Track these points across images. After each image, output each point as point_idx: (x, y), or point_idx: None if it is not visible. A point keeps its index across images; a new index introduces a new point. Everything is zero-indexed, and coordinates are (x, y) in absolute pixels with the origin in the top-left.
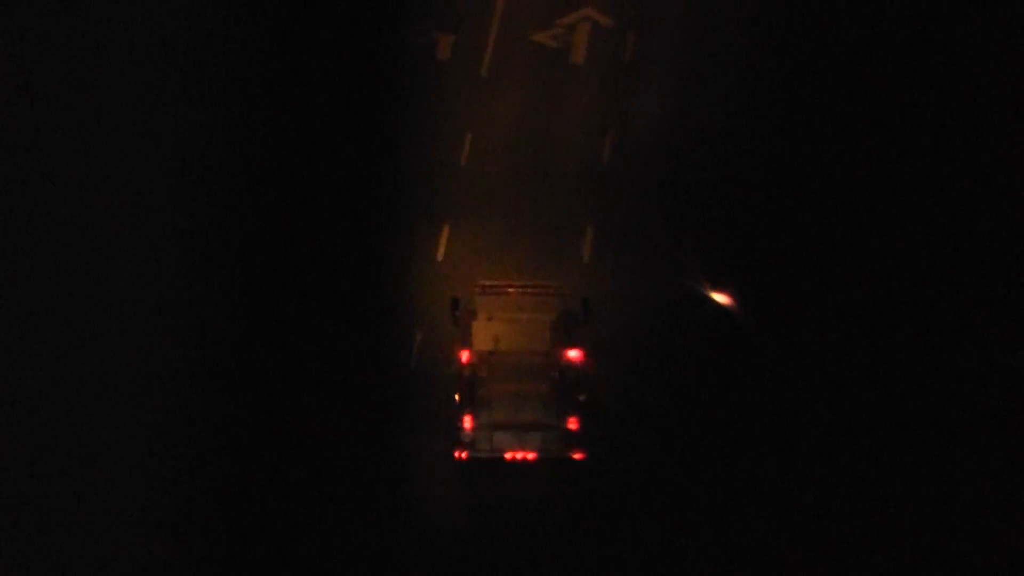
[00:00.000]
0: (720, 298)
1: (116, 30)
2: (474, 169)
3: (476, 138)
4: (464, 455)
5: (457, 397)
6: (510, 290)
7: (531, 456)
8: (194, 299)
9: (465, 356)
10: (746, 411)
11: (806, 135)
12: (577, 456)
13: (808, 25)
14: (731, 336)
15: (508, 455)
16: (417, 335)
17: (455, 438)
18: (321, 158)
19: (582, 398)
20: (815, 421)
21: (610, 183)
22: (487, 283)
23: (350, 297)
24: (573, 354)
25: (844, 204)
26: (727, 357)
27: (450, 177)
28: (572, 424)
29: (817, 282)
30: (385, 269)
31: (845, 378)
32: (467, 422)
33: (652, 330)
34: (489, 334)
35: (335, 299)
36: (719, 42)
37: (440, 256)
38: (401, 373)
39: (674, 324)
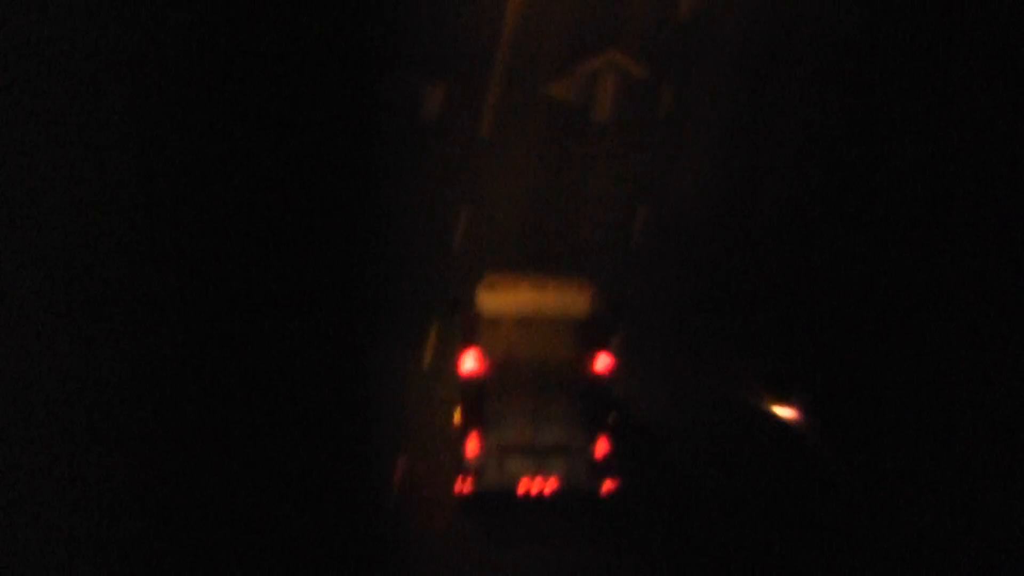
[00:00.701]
0: (783, 412)
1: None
2: (470, 254)
3: (473, 215)
4: (468, 487)
5: (458, 416)
6: (525, 286)
7: (549, 488)
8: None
9: (469, 364)
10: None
11: (877, 209)
12: (606, 487)
13: (877, 79)
14: (797, 458)
15: (522, 487)
16: (399, 462)
17: (457, 466)
18: (277, 250)
19: (612, 417)
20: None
21: (641, 270)
22: (497, 277)
23: (320, 422)
24: (603, 363)
25: (922, 294)
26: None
27: (440, 264)
28: (601, 448)
29: (888, 389)
30: (362, 382)
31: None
32: (472, 445)
33: (702, 472)
34: (500, 338)
35: (304, 422)
36: (776, 99)
37: (427, 362)
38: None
39: (727, 451)
